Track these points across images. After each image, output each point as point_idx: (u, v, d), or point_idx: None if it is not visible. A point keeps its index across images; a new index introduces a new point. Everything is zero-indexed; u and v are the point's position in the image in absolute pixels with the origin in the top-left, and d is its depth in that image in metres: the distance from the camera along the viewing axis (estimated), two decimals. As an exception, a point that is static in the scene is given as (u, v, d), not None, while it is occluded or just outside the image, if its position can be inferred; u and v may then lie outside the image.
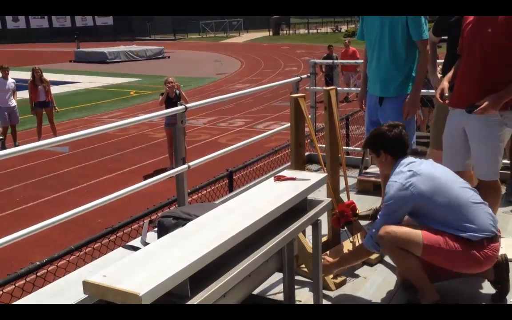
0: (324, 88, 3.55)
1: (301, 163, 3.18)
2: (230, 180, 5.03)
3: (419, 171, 2.56)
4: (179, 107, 3.59)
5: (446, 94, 3.12)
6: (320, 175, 2.63)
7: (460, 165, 3.15)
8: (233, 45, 41.04)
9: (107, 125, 3.36)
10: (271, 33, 49.41)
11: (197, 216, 2.25)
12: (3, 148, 10.32)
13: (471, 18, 3.05)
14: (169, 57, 31.60)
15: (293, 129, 3.11)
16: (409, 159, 2.67)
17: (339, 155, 3.32)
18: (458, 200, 2.52)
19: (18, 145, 10.59)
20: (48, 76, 21.41)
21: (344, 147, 6.44)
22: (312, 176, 2.61)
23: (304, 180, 2.50)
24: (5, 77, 10.45)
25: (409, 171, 2.56)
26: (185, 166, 3.62)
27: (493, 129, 2.95)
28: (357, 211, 3.17)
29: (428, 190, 2.52)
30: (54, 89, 18.41)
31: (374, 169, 4.85)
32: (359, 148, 6.22)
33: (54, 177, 8.51)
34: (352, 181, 4.84)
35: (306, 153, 5.86)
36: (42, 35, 52.12)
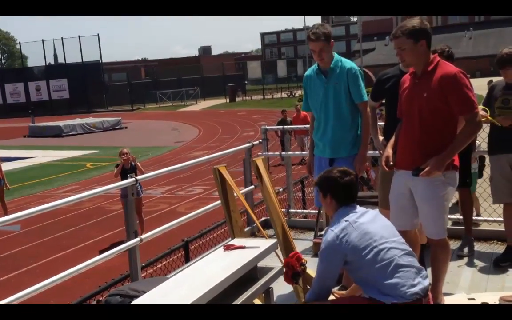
0: (256, 156, 3.64)
1: (238, 230, 3.21)
2: (186, 250, 4.96)
3: (356, 224, 2.54)
4: (129, 180, 3.59)
5: (391, 163, 3.26)
6: (270, 242, 2.67)
7: (407, 224, 3.25)
8: (191, 113, 41.48)
9: (58, 201, 3.32)
10: (228, 100, 50.34)
11: (145, 292, 2.22)
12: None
13: (407, 83, 3.25)
14: (126, 127, 31.54)
15: (222, 199, 3.16)
16: (351, 208, 2.65)
17: (282, 220, 3.36)
18: (383, 259, 2.47)
19: (-34, 227, 10.15)
20: (1, 153, 20.84)
21: (299, 210, 6.54)
22: (262, 243, 2.64)
23: (253, 248, 2.53)
24: None
25: (346, 221, 2.54)
26: (137, 239, 3.58)
27: (437, 189, 3.06)
28: (303, 260, 3.08)
29: (360, 245, 2.49)
30: (7, 166, 17.95)
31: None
32: (315, 211, 6.32)
33: (5, 258, 8.15)
34: (308, 244, 4.88)
35: (263, 218, 5.89)
36: (-5, 111, 51.15)
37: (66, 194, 12.97)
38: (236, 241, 2.61)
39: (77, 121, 31.59)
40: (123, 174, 8.30)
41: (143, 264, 4.01)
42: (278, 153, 6.27)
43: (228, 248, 2.53)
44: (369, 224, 2.57)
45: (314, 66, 3.92)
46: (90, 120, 32.41)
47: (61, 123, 30.40)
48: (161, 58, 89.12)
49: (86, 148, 22.43)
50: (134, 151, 9.22)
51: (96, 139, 26.37)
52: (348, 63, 3.85)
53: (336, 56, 3.82)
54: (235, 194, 3.28)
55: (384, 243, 2.52)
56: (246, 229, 4.70)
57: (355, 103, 3.81)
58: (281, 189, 7.29)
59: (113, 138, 26.11)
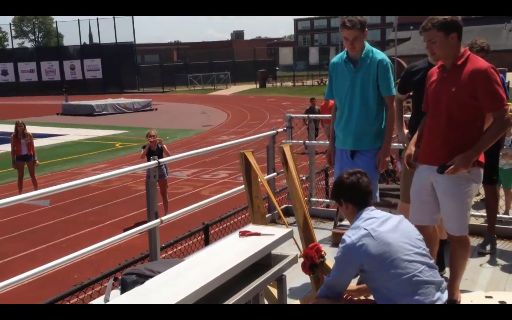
0: (282, 143, 3.63)
1: (259, 216, 3.22)
2: (206, 234, 5.02)
3: (375, 233, 2.42)
4: (151, 162, 3.65)
5: (413, 161, 3.21)
6: (285, 230, 2.67)
7: (427, 220, 3.20)
8: (220, 97, 41.64)
9: (86, 179, 3.44)
10: (258, 86, 50.29)
11: (160, 272, 2.27)
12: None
13: (435, 76, 3.18)
14: (156, 109, 31.92)
15: (246, 184, 3.17)
16: (373, 213, 2.55)
17: (304, 209, 3.35)
18: (403, 274, 2.38)
19: None
20: (34, 129, 21.41)
21: (321, 199, 6.51)
22: (277, 231, 2.65)
23: (268, 236, 2.54)
24: None
25: (365, 229, 2.44)
26: (157, 220, 3.64)
27: (461, 186, 3.00)
28: (323, 252, 3.06)
29: (378, 256, 2.38)
30: (40, 142, 18.46)
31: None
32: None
33: (34, 231, 8.42)
34: (328, 233, 4.87)
35: (284, 206, 5.90)
36: (31, 89, 52.47)
37: (95, 172, 13.26)
38: (252, 228, 2.63)
39: (109, 101, 32.11)
40: (150, 155, 8.47)
41: (163, 245, 4.08)
42: (302, 141, 6.24)
43: (243, 234, 2.55)
44: (390, 233, 2.45)
45: (342, 54, 3.81)
46: (121, 100, 32.90)
47: (93, 102, 30.96)
48: (193, 42, 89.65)
49: (116, 128, 22.82)
50: (162, 133, 9.39)
51: (126, 119, 26.79)
52: (379, 54, 3.74)
53: (367, 45, 3.72)
54: (259, 180, 3.29)
55: (404, 256, 2.40)
56: (267, 215, 4.71)
57: (381, 96, 3.73)
58: (304, 178, 7.28)
59: (142, 119, 26.48)
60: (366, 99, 3.72)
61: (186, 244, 5.12)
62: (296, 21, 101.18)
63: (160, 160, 3.80)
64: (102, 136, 20.78)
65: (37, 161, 11.08)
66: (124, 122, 25.13)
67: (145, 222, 3.69)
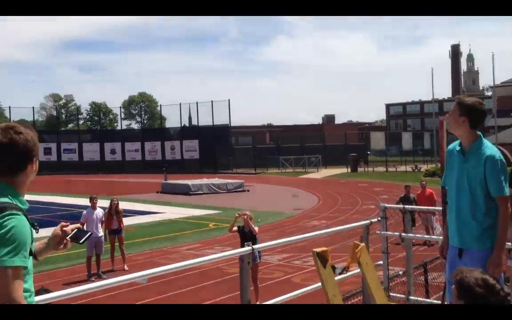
0: (355, 241, 3.54)
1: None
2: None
3: None
4: (245, 248, 3.73)
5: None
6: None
7: None
8: (311, 181, 41.78)
9: (183, 262, 3.81)
10: (349, 170, 49.93)
11: None
12: (89, 277, 10.83)
13: None
14: (248, 190, 32.67)
15: (322, 283, 3.10)
16: None
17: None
18: None
19: (101, 274, 11.14)
20: (135, 206, 22.83)
21: (421, 298, 6.13)
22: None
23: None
24: (94, 206, 11.23)
25: None
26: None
27: None
28: None
29: None
30: (140, 219, 19.57)
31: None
32: (439, 302, 5.89)
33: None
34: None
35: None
36: (135, 167, 56.43)
37: (189, 251, 13.68)
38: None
39: (204, 181, 33.50)
40: (242, 235, 8.74)
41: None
42: (397, 233, 6.04)
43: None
44: None
45: (458, 141, 3.68)
46: (215, 181, 34.18)
47: (189, 182, 32.46)
48: (285, 124, 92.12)
49: (210, 208, 23.60)
50: (254, 216, 9.62)
51: (220, 199, 27.65)
52: (489, 148, 3.54)
53: (480, 137, 3.58)
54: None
55: None
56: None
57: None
58: (400, 272, 6.95)
59: (235, 200, 27.18)
60: (473, 194, 3.50)
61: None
62: (387, 105, 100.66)
63: (254, 246, 3.87)
64: (197, 215, 21.56)
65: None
66: (217, 202, 25.96)
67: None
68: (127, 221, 13.07)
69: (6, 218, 2.11)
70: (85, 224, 10.92)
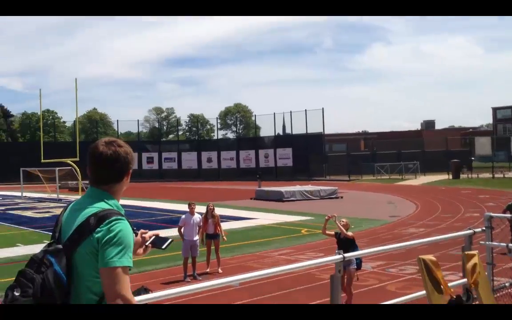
0: (465, 252, 3.24)
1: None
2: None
3: None
4: (336, 257, 3.61)
5: None
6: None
7: None
8: (409, 188, 40.06)
9: (278, 268, 3.84)
10: (451, 176, 47.19)
11: None
12: (185, 278, 11.26)
13: None
14: (342, 197, 32.09)
15: (427, 292, 2.85)
16: None
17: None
18: None
19: (197, 275, 11.54)
20: (230, 212, 23.45)
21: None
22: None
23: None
24: (192, 212, 11.67)
25: None
26: None
27: None
28: None
29: None
30: (234, 224, 20.00)
31: None
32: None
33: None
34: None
35: None
36: (230, 175, 58.05)
37: (281, 257, 13.69)
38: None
39: (297, 188, 33.48)
40: (339, 242, 8.75)
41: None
42: (504, 244, 5.55)
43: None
44: None
45: None
46: (308, 187, 34.02)
47: (282, 189, 32.60)
48: (380, 131, 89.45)
49: (302, 214, 23.50)
50: (348, 221, 9.54)
51: (313, 206, 27.45)
52: None
53: None
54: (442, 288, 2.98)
55: None
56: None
57: None
58: (507, 284, 6.41)
59: (328, 207, 26.81)
60: None
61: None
62: (495, 109, 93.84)
63: (345, 255, 3.74)
64: (289, 221, 21.56)
65: (224, 238, 12.17)
66: (310, 209, 25.78)
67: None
68: (221, 226, 13.43)
69: (114, 222, 2.31)
70: (183, 228, 11.53)
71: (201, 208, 13.08)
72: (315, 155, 56.81)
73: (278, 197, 31.12)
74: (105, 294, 2.22)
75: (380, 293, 9.63)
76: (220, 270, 11.87)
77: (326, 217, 9.19)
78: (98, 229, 2.28)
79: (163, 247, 2.68)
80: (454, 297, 3.11)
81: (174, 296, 3.17)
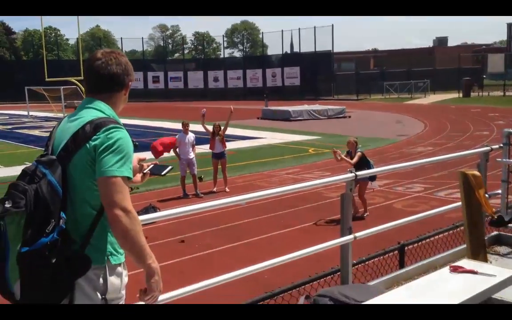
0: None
1: (478, 246, 2.72)
2: (401, 254, 4.60)
3: None
4: (348, 175, 3.43)
5: None
6: (509, 272, 2.17)
7: None
8: (418, 107, 39.55)
9: (286, 187, 3.81)
10: (461, 95, 46.40)
11: (356, 300, 2.03)
12: (185, 196, 11.37)
13: None
14: (350, 116, 31.78)
15: (464, 209, 2.69)
16: None
17: None
18: None
19: (199, 193, 11.66)
20: (236, 131, 23.28)
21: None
22: (499, 271, 2.17)
23: (487, 276, 2.09)
24: (185, 132, 11.66)
25: None
26: (351, 236, 3.41)
27: None
28: None
29: None
30: (241, 144, 19.92)
31: None
32: None
33: (229, 228, 8.96)
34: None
35: (494, 233, 5.11)
36: (237, 94, 57.39)
37: (288, 175, 13.67)
38: (467, 263, 2.20)
39: (305, 107, 33.12)
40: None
41: (354, 262, 3.82)
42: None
43: (455, 269, 2.15)
44: None
45: None
46: (316, 107, 33.64)
47: (290, 108, 32.26)
48: (391, 49, 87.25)
49: (310, 134, 23.34)
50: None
51: (320, 125, 27.24)
52: None
53: None
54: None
55: None
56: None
57: None
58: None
59: (336, 126, 26.61)
60: None
61: (377, 260, 4.76)
62: (509, 25, 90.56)
63: (357, 173, 3.56)
64: (297, 141, 21.44)
65: (232, 108, 12.58)
66: (317, 128, 25.59)
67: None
68: (228, 146, 13.35)
69: (113, 130, 2.12)
70: (178, 148, 11.63)
71: (208, 127, 12.89)
72: (323, 74, 55.78)
73: (285, 117, 30.85)
74: (104, 205, 2.05)
75: (387, 211, 9.62)
76: (227, 189, 11.92)
77: (333, 151, 9.34)
78: (95, 136, 2.09)
79: (163, 173, 2.55)
80: (496, 217, 2.98)
81: (182, 214, 3.07)
